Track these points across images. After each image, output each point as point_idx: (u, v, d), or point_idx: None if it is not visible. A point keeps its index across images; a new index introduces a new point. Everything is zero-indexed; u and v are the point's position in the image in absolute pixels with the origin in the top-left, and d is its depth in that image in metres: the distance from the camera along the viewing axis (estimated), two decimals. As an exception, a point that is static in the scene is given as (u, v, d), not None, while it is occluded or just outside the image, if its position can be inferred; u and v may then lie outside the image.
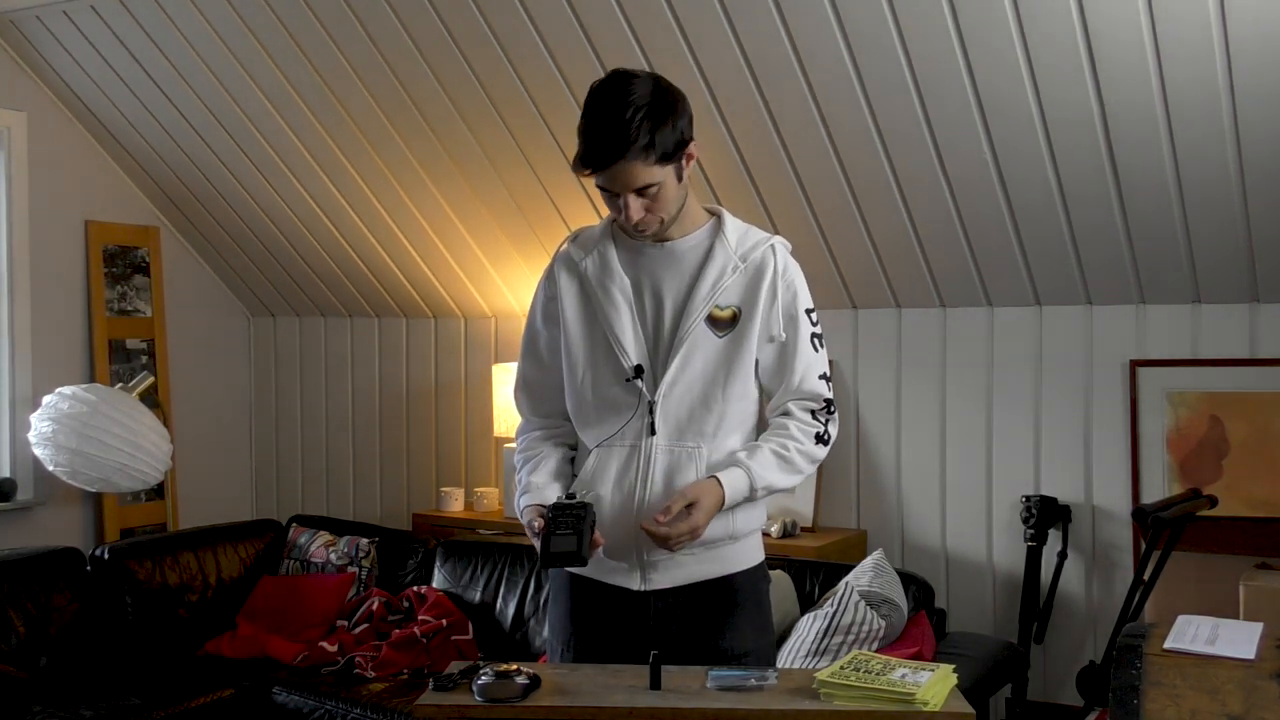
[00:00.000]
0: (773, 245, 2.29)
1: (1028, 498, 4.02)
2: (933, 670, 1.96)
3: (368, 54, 4.18)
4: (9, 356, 4.87)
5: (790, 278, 2.29)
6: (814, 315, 2.33)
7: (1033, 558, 3.99)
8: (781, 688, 1.99)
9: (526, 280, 4.83)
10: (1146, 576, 3.57)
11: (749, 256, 2.27)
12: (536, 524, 2.19)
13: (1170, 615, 2.21)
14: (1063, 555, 4.01)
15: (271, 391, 5.81)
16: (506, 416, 4.75)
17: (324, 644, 4.11)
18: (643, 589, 2.23)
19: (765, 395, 2.34)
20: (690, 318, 2.23)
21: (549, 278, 2.35)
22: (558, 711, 1.96)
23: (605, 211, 2.37)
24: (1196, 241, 3.64)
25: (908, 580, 3.64)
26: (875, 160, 3.77)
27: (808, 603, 3.63)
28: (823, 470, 4.34)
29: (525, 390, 2.42)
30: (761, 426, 2.34)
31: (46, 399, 4.59)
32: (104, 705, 3.73)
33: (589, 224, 2.41)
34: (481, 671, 2.02)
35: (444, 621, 4.12)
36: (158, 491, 5.19)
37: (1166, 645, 2.02)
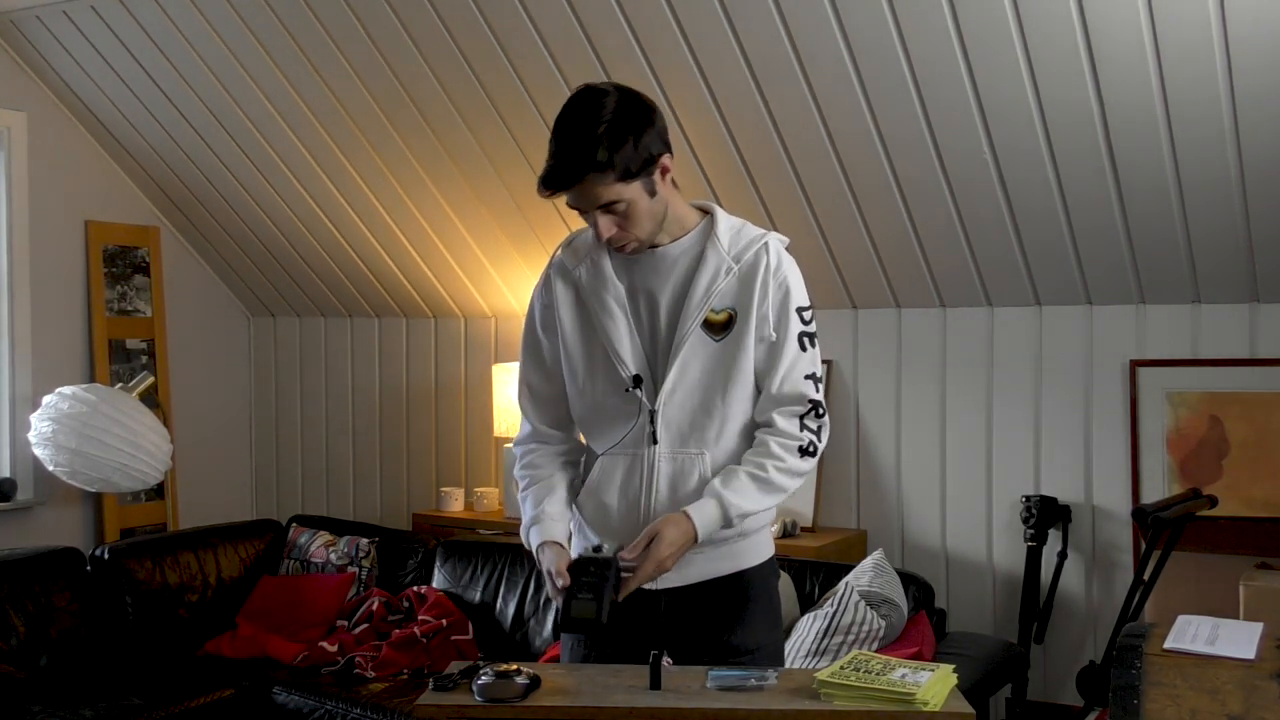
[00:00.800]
0: (766, 243, 2.23)
1: (1028, 498, 4.02)
2: (933, 670, 1.96)
3: (368, 54, 4.18)
4: (9, 356, 4.87)
5: (783, 275, 2.23)
6: (808, 314, 2.26)
7: (1033, 558, 3.99)
8: (781, 688, 1.99)
9: (526, 280, 4.83)
10: (1146, 576, 3.57)
11: (742, 256, 2.22)
12: (556, 577, 2.12)
13: (1170, 615, 2.21)
14: (1063, 555, 4.01)
15: (271, 391, 5.81)
16: (506, 416, 4.75)
17: (324, 644, 4.11)
18: (654, 587, 2.22)
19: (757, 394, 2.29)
20: (685, 324, 2.19)
21: (545, 286, 2.32)
22: (558, 711, 1.96)
23: None
24: (1196, 241, 3.64)
25: (908, 580, 3.64)
26: (875, 160, 3.77)
27: (808, 603, 3.63)
28: (823, 470, 4.34)
29: (530, 397, 2.37)
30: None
31: (46, 399, 4.59)
32: (104, 705, 3.73)
33: (584, 227, 2.32)
34: (481, 671, 2.02)
35: (444, 621, 4.12)
36: (158, 491, 5.19)
37: (1166, 645, 2.02)
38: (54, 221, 5.03)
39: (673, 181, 2.23)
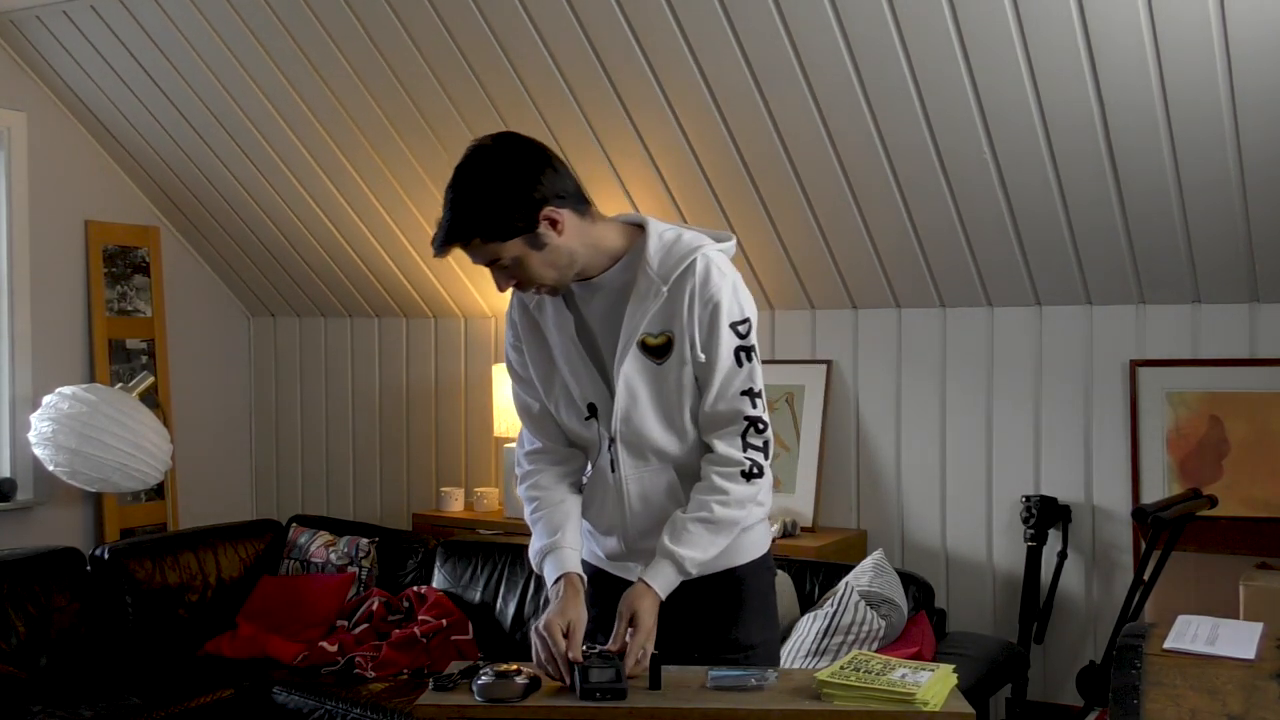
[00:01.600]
0: (694, 260, 2.15)
1: (1028, 498, 4.02)
2: (933, 670, 1.97)
3: (368, 54, 4.18)
4: (9, 356, 4.87)
5: (710, 293, 2.15)
6: (744, 327, 2.17)
7: (1033, 558, 3.99)
8: (781, 688, 1.99)
9: (526, 280, 4.82)
10: (1146, 576, 3.57)
11: (670, 276, 2.15)
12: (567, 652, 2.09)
13: (1170, 615, 2.21)
14: (1063, 555, 4.01)
15: (271, 391, 5.81)
16: (506, 416, 4.75)
17: (324, 644, 4.11)
18: None
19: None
20: (621, 354, 2.18)
21: (509, 320, 2.34)
22: (558, 711, 1.96)
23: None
24: (1196, 241, 3.64)
25: (908, 580, 3.64)
26: (875, 160, 3.77)
27: (808, 603, 3.63)
28: (823, 470, 4.35)
29: (527, 415, 2.38)
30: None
31: (46, 399, 4.59)
32: (104, 705, 3.73)
33: None
34: (481, 671, 2.02)
35: (444, 621, 4.12)
36: (158, 491, 5.19)
37: (1166, 645, 2.01)
38: (54, 221, 5.03)
39: (593, 214, 2.18)
